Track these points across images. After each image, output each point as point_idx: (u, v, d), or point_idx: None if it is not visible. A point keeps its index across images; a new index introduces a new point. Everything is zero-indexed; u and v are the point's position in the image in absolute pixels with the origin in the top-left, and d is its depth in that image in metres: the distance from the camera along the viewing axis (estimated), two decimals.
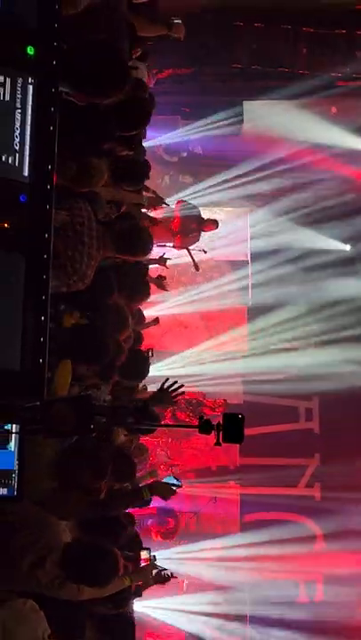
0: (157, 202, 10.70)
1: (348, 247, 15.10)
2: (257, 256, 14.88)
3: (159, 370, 12.75)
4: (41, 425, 3.50)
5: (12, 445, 4.64)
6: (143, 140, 8.35)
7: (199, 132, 14.14)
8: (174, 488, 5.62)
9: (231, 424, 3.42)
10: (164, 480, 5.92)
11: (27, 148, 3.57)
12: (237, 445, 14.27)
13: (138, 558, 6.89)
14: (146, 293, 7.14)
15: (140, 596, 9.10)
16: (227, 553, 14.15)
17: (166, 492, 5.56)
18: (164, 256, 11.62)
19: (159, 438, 14.18)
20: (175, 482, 5.84)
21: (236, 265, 15.08)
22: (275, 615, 13.43)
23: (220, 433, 3.37)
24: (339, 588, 13.55)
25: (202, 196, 14.40)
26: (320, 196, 14.52)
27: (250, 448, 14.17)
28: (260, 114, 14.15)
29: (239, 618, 13.90)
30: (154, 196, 10.75)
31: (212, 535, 14.31)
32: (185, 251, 13.18)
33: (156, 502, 12.85)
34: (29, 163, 3.56)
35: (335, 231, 14.79)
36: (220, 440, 3.38)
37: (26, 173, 3.58)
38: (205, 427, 3.41)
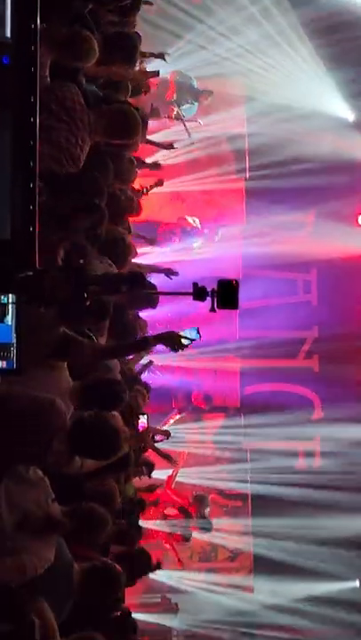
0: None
1: (352, 117, 14.68)
2: (254, 123, 14.48)
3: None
4: (35, 295, 3.46)
5: (10, 319, 4.63)
6: None
7: None
8: (187, 342, 5.32)
9: (226, 290, 3.38)
10: (185, 332, 5.52)
11: (8, 5, 3.39)
12: (236, 319, 14.44)
13: (136, 424, 7.04)
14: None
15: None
16: (228, 424, 14.47)
17: (176, 342, 5.33)
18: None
19: (158, 314, 14.22)
20: (193, 335, 5.44)
21: (232, 136, 14.70)
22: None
23: (215, 299, 3.34)
24: (336, 457, 13.88)
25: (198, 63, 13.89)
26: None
27: (249, 322, 14.29)
28: None
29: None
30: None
31: (213, 407, 14.58)
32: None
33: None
34: (11, 22, 3.38)
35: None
36: (215, 306, 3.35)
37: (8, 34, 3.40)
38: (200, 293, 3.37)
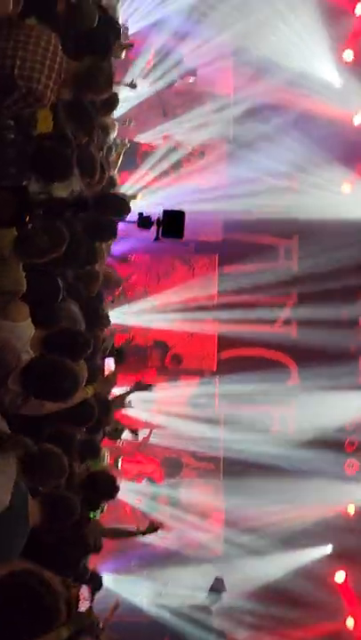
0: None
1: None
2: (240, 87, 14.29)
3: None
4: None
5: None
6: None
7: None
8: None
9: (171, 219, 3.30)
10: None
11: None
12: (216, 282, 14.41)
13: (102, 369, 6.90)
14: None
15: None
16: (203, 388, 14.44)
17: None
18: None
19: (138, 274, 14.20)
20: None
21: (217, 99, 14.51)
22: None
23: (160, 228, 3.27)
24: (310, 422, 13.90)
25: None
26: None
27: (228, 286, 14.26)
28: None
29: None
30: None
31: (188, 370, 14.53)
32: None
33: None
34: None
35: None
36: (160, 236, 3.28)
37: None
38: (144, 222, 3.30)
